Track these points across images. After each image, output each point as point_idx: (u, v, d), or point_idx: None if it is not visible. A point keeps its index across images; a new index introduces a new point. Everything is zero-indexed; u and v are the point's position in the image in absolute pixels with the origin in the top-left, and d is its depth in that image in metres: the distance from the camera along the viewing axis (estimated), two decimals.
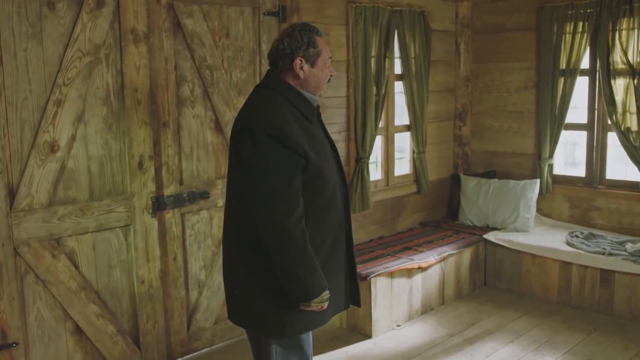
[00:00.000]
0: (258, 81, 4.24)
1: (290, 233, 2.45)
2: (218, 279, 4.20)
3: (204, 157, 4.07)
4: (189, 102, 3.97)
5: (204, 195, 4.06)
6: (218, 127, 4.12)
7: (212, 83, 4.03)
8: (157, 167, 3.82)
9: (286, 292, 2.56)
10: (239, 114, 2.65)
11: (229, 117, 4.13)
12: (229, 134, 4.14)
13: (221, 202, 4.16)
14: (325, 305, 2.60)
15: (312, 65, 2.62)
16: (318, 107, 2.75)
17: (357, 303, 2.89)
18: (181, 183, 3.97)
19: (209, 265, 4.17)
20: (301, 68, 2.60)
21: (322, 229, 2.62)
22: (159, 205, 3.84)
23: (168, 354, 4.01)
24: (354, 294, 2.86)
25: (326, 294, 2.58)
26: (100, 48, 3.51)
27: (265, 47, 4.27)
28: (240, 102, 4.17)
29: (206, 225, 4.13)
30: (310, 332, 2.82)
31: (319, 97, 2.73)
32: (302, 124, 2.57)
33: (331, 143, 2.75)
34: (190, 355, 4.14)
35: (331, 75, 2.70)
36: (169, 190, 3.89)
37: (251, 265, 2.61)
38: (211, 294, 4.19)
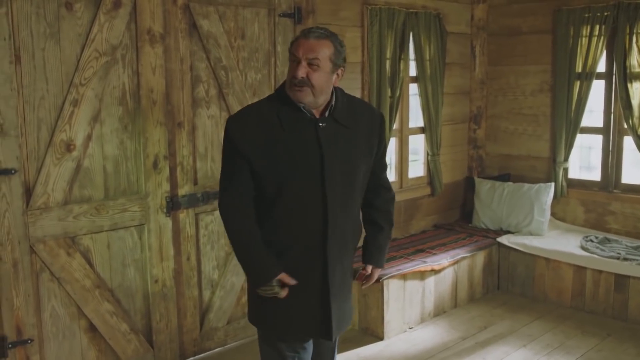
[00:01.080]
0: (273, 82, 4.28)
1: (221, 211, 2.63)
2: (231, 279, 4.22)
3: (218, 157, 4.09)
4: (204, 103, 3.99)
5: (218, 195, 4.07)
6: None
7: (227, 84, 4.05)
8: (171, 167, 3.84)
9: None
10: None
11: None
12: None
13: None
14: (279, 294, 2.56)
15: (340, 65, 2.58)
16: (333, 117, 2.57)
17: (327, 336, 2.66)
18: (195, 183, 3.99)
19: (222, 265, 4.19)
20: (337, 75, 2.59)
21: (284, 237, 2.59)
22: (173, 205, 3.86)
23: (181, 353, 4.04)
24: (325, 324, 2.65)
25: (274, 289, 2.56)
26: (116, 48, 3.54)
27: (281, 49, 4.28)
28: None
29: (220, 226, 4.15)
30: (301, 347, 2.72)
31: (300, 102, 2.51)
32: (270, 130, 2.51)
33: (334, 155, 2.54)
34: (202, 355, 4.16)
35: (293, 77, 2.48)
36: (183, 190, 3.91)
37: None
38: (224, 294, 4.21)
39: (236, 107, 4.09)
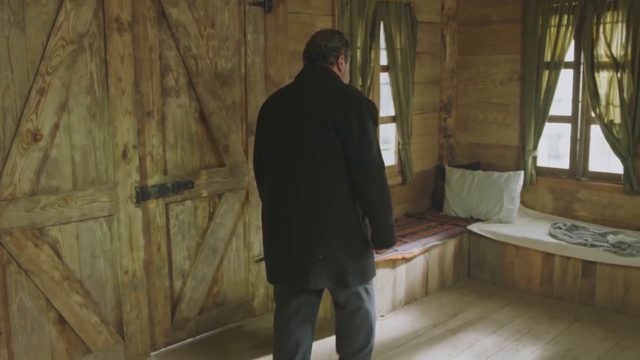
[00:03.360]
0: (243, 71, 4.26)
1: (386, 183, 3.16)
2: (202, 269, 4.20)
3: (188, 147, 4.06)
4: (174, 92, 3.95)
5: (189, 185, 4.05)
6: (202, 117, 4.11)
7: (197, 73, 4.01)
8: (141, 157, 3.81)
9: None
10: (327, 96, 3.10)
11: (214, 107, 4.12)
12: (213, 124, 4.14)
13: (206, 192, 4.16)
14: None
15: (346, 62, 3.29)
16: None
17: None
18: (165, 173, 3.96)
19: (193, 255, 4.17)
20: (342, 63, 3.25)
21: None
22: (143, 195, 3.83)
23: (152, 344, 4.01)
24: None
25: None
26: (84, 37, 3.48)
27: (251, 37, 4.26)
28: (225, 91, 4.17)
29: (190, 216, 4.13)
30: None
31: None
32: None
33: None
34: (174, 345, 4.14)
35: None
36: (153, 180, 3.88)
37: None
38: (195, 284, 4.19)
39: (206, 96, 4.07)
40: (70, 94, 3.48)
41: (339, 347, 3.47)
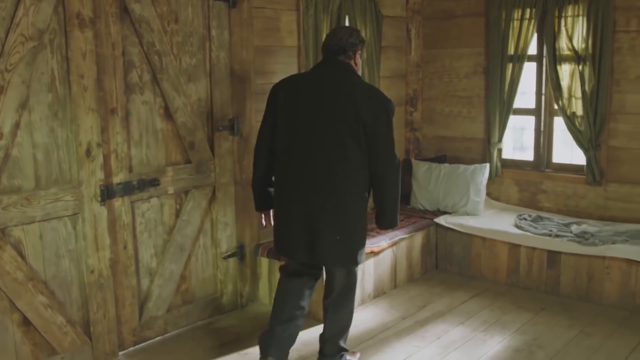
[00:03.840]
0: (208, 67, 4.23)
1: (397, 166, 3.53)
2: (170, 266, 4.17)
3: (153, 144, 4.03)
4: (138, 89, 3.91)
5: (154, 182, 4.02)
6: (167, 114, 4.07)
7: (161, 69, 3.97)
8: (105, 155, 3.76)
9: None
10: (359, 94, 3.39)
11: (179, 103, 4.08)
12: (179, 121, 4.10)
13: (172, 189, 4.13)
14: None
15: (360, 55, 3.55)
16: None
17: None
18: (130, 170, 3.92)
19: (160, 253, 4.13)
20: (358, 59, 3.53)
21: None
22: (108, 193, 3.78)
23: (120, 344, 3.97)
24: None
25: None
26: (44, 33, 3.42)
27: (216, 33, 4.23)
28: (190, 88, 4.14)
29: (157, 213, 4.09)
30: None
31: None
32: None
33: None
34: (142, 345, 4.10)
35: None
36: (118, 178, 3.84)
37: None
38: (163, 282, 4.16)
39: (171, 93, 4.03)
40: (31, 91, 3.41)
41: (328, 327, 3.74)
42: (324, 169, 3.39)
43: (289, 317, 3.66)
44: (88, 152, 3.65)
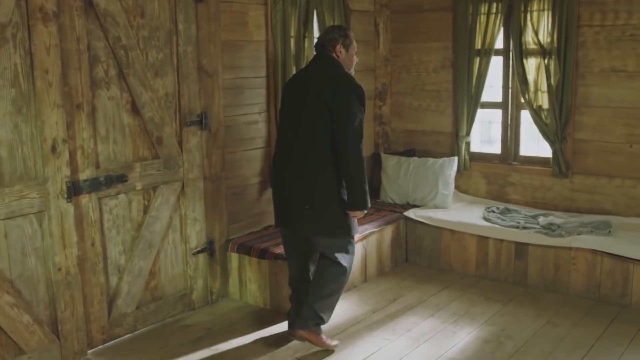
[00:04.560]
0: (175, 62, 4.20)
1: (361, 158, 3.75)
2: (138, 263, 4.14)
3: (120, 139, 3.98)
4: (104, 84, 3.86)
5: (122, 178, 3.98)
6: (135, 109, 4.03)
7: (127, 64, 3.93)
8: (71, 151, 3.71)
9: None
10: (324, 78, 3.76)
11: (146, 98, 4.04)
12: (146, 116, 4.07)
13: (140, 185, 4.09)
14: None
15: (347, 50, 3.86)
16: None
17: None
18: (97, 167, 3.87)
19: (128, 249, 4.09)
20: (339, 51, 3.84)
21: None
22: (74, 189, 3.73)
23: (89, 342, 3.93)
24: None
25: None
26: (6, 27, 3.35)
27: (182, 27, 4.20)
28: (157, 83, 4.11)
29: (125, 209, 4.05)
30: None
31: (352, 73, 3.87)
32: None
33: None
34: (112, 342, 4.06)
35: (356, 61, 3.95)
36: (85, 174, 3.79)
37: None
38: (132, 279, 4.12)
39: (138, 88, 3.99)
40: None
41: (310, 292, 3.93)
42: (298, 148, 3.79)
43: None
44: (53, 148, 3.60)
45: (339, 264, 3.88)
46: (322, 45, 3.88)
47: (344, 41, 3.87)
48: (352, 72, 3.94)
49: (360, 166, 3.71)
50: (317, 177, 3.76)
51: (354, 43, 3.92)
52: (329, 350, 3.93)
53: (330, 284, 3.89)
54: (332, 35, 3.86)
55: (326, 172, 3.75)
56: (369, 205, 3.82)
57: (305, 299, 3.92)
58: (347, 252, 3.92)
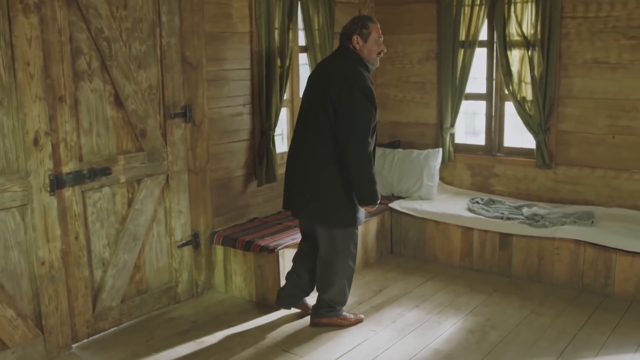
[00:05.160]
0: (159, 53, 4.17)
1: (368, 155, 3.82)
2: (123, 256, 4.12)
3: (104, 132, 3.95)
4: (87, 76, 3.83)
5: (106, 171, 3.95)
6: (118, 101, 4.00)
7: (110, 56, 3.90)
8: (54, 144, 3.67)
9: None
10: (332, 74, 3.86)
11: (129, 90, 4.01)
12: (129, 108, 4.04)
13: (124, 178, 4.06)
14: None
15: (365, 41, 3.84)
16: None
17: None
18: (81, 160, 3.84)
19: (113, 243, 4.07)
20: (357, 42, 3.85)
21: None
22: (57, 183, 3.70)
23: (73, 336, 3.91)
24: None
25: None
26: None
27: (166, 19, 4.17)
28: (141, 75, 4.08)
29: (109, 202, 4.03)
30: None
31: (373, 65, 3.93)
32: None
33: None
34: (97, 336, 4.05)
35: (382, 51, 3.90)
36: (68, 167, 3.76)
37: None
38: (117, 272, 4.10)
39: (121, 80, 3.96)
40: None
41: (317, 283, 4.17)
42: (306, 138, 3.92)
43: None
44: (36, 141, 3.56)
45: (339, 256, 4.01)
46: (340, 38, 3.95)
47: (361, 32, 3.86)
48: (376, 64, 3.96)
49: (364, 163, 3.75)
50: (320, 168, 3.84)
51: (374, 34, 3.87)
52: (316, 341, 3.95)
53: (331, 277, 4.05)
54: (350, 26, 3.90)
55: (330, 164, 3.82)
56: (379, 198, 3.87)
57: (303, 284, 4.22)
58: (347, 243, 4.01)
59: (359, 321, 4.19)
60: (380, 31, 3.92)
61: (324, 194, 3.86)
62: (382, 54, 3.95)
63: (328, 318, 4.13)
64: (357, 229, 4.06)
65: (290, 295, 4.25)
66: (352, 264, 4.09)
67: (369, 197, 3.84)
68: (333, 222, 3.94)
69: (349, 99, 3.71)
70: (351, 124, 3.72)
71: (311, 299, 4.32)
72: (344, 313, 4.18)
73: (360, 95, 3.72)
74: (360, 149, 3.73)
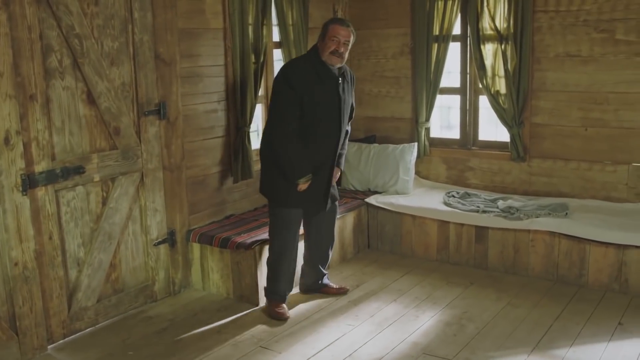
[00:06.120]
0: (132, 50, 4.14)
1: (276, 139, 4.09)
2: (99, 255, 4.08)
3: (76, 130, 3.91)
4: (58, 74, 3.78)
5: (79, 170, 3.91)
6: (91, 99, 3.95)
7: (82, 53, 3.85)
8: (25, 143, 3.62)
9: None
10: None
11: (102, 88, 3.97)
12: (102, 106, 4.00)
13: (98, 176, 4.02)
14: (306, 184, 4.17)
15: (322, 38, 4.05)
16: (342, 75, 4.12)
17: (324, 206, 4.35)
18: (53, 158, 3.79)
19: (87, 242, 4.03)
20: (320, 41, 4.08)
21: (313, 150, 4.12)
22: (30, 182, 3.65)
23: (48, 337, 3.87)
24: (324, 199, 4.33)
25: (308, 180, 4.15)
26: None
27: (138, 15, 4.13)
28: (114, 72, 4.04)
29: (83, 202, 3.99)
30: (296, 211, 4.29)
31: (332, 65, 4.04)
32: (312, 79, 4.01)
33: (343, 100, 4.13)
34: (73, 337, 4.01)
35: (336, 49, 3.99)
36: (41, 167, 3.71)
37: None
38: (92, 272, 4.06)
39: (94, 78, 3.91)
40: None
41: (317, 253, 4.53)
42: None
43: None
44: (7, 140, 3.51)
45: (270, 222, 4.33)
46: None
47: (322, 30, 4.09)
48: (330, 62, 4.02)
49: (275, 142, 4.05)
50: (262, 151, 4.26)
51: (330, 32, 4.01)
52: (294, 337, 3.96)
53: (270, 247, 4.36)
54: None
55: (268, 149, 4.18)
56: (294, 178, 4.07)
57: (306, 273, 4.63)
58: (272, 216, 4.27)
59: (281, 317, 4.24)
60: (340, 31, 4.00)
61: (262, 171, 4.32)
62: (337, 54, 4.00)
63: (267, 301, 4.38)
64: (278, 209, 4.22)
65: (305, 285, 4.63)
66: (272, 249, 4.29)
67: (288, 173, 4.08)
68: (263, 190, 4.34)
69: (274, 83, 4.11)
70: (270, 105, 4.16)
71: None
72: (277, 303, 4.30)
73: (279, 78, 4.04)
74: (271, 128, 4.08)
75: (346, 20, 4.25)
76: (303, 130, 4.04)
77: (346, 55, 4.07)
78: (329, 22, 4.11)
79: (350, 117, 4.37)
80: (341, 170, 4.45)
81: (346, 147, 4.43)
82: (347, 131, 4.35)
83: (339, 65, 4.06)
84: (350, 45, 4.07)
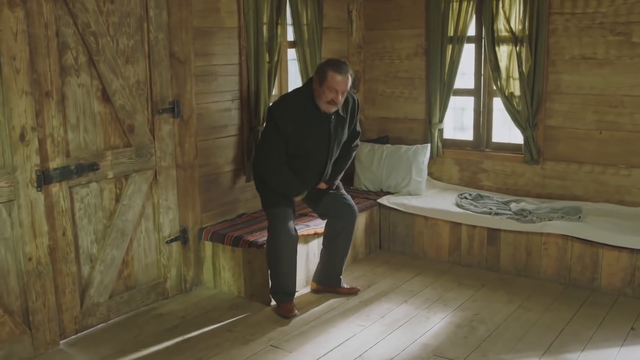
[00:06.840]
0: (146, 48, 4.15)
1: (261, 168, 4.23)
2: (111, 252, 4.10)
3: (91, 127, 3.93)
4: (74, 71, 3.80)
5: (93, 167, 3.93)
6: (105, 97, 3.97)
7: (97, 50, 3.87)
8: (41, 139, 3.65)
9: None
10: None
11: (117, 85, 3.99)
12: (117, 103, 4.02)
13: (111, 173, 4.04)
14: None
15: (320, 84, 3.99)
16: (334, 116, 4.12)
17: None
18: (68, 155, 3.82)
19: (100, 238, 4.06)
20: (315, 81, 4.03)
21: (300, 177, 4.23)
22: (44, 178, 3.68)
23: (61, 332, 3.89)
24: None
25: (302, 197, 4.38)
26: None
27: (153, 13, 4.14)
28: (128, 70, 4.06)
29: (96, 198, 4.01)
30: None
31: (325, 109, 4.04)
32: (301, 119, 4.04)
33: (334, 138, 4.19)
34: (84, 332, 4.03)
35: (333, 100, 3.98)
36: (55, 163, 3.73)
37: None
38: (104, 268, 4.08)
39: (109, 75, 3.93)
40: None
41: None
42: None
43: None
44: (22, 136, 3.54)
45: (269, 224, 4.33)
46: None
47: (319, 75, 3.99)
48: (325, 109, 4.02)
49: (260, 171, 4.22)
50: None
51: (330, 82, 3.93)
52: (305, 336, 3.95)
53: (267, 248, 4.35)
54: (321, 65, 4.07)
55: (256, 168, 4.35)
56: (290, 197, 4.26)
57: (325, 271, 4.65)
58: (269, 218, 4.30)
59: (287, 314, 4.25)
60: (339, 82, 3.94)
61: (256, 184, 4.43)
62: (334, 103, 4.00)
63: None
64: (270, 212, 4.27)
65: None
66: (270, 249, 4.28)
67: (282, 194, 4.24)
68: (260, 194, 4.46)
69: (266, 113, 4.26)
70: (261, 135, 4.49)
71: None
72: (283, 300, 4.33)
73: (268, 114, 4.11)
74: (258, 158, 4.23)
75: (344, 63, 4.04)
76: (291, 160, 4.14)
77: (343, 99, 4.05)
78: (327, 67, 3.99)
79: (354, 139, 4.42)
80: (334, 184, 4.45)
81: (347, 164, 4.46)
82: (351, 147, 4.41)
83: (334, 110, 4.08)
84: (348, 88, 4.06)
